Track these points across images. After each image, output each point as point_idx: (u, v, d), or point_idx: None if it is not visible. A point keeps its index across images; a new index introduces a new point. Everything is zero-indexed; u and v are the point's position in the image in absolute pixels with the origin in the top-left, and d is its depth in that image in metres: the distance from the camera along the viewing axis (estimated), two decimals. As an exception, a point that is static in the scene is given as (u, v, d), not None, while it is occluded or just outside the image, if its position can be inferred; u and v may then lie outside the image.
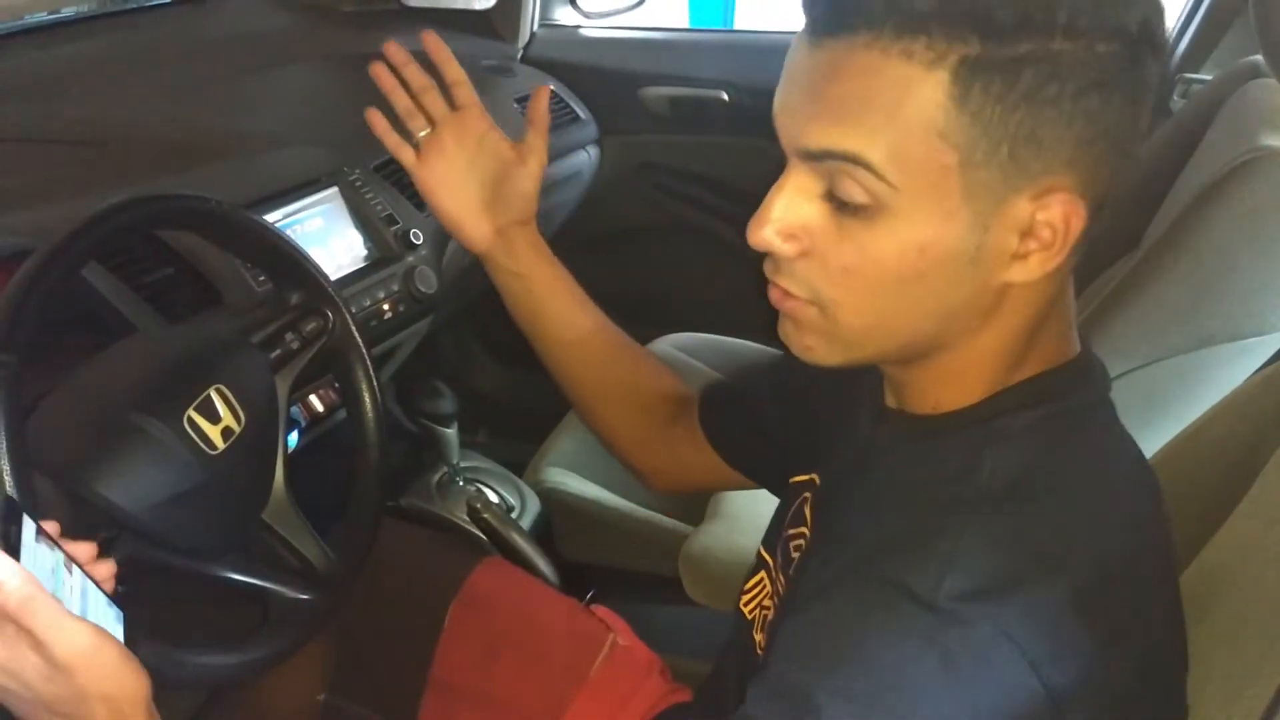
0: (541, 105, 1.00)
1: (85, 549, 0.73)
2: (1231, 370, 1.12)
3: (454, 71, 1.01)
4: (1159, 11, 0.60)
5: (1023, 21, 0.56)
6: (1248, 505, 0.78)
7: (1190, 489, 0.88)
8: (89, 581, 0.71)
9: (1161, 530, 0.70)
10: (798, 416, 0.89)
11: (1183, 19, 1.79)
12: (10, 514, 0.68)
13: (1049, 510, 0.64)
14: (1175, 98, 1.71)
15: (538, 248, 1.02)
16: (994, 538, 0.62)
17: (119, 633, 0.71)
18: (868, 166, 0.60)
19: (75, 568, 0.70)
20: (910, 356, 0.69)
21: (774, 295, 0.69)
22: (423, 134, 0.99)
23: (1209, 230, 1.09)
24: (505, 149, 1.00)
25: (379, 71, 0.99)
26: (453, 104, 1.00)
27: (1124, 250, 1.32)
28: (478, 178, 0.99)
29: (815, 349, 0.69)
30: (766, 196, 0.65)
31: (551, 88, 0.99)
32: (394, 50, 0.99)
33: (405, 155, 0.99)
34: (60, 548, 0.70)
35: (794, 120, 0.63)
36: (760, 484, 1.01)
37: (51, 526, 0.71)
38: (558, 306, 1.03)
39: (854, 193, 0.61)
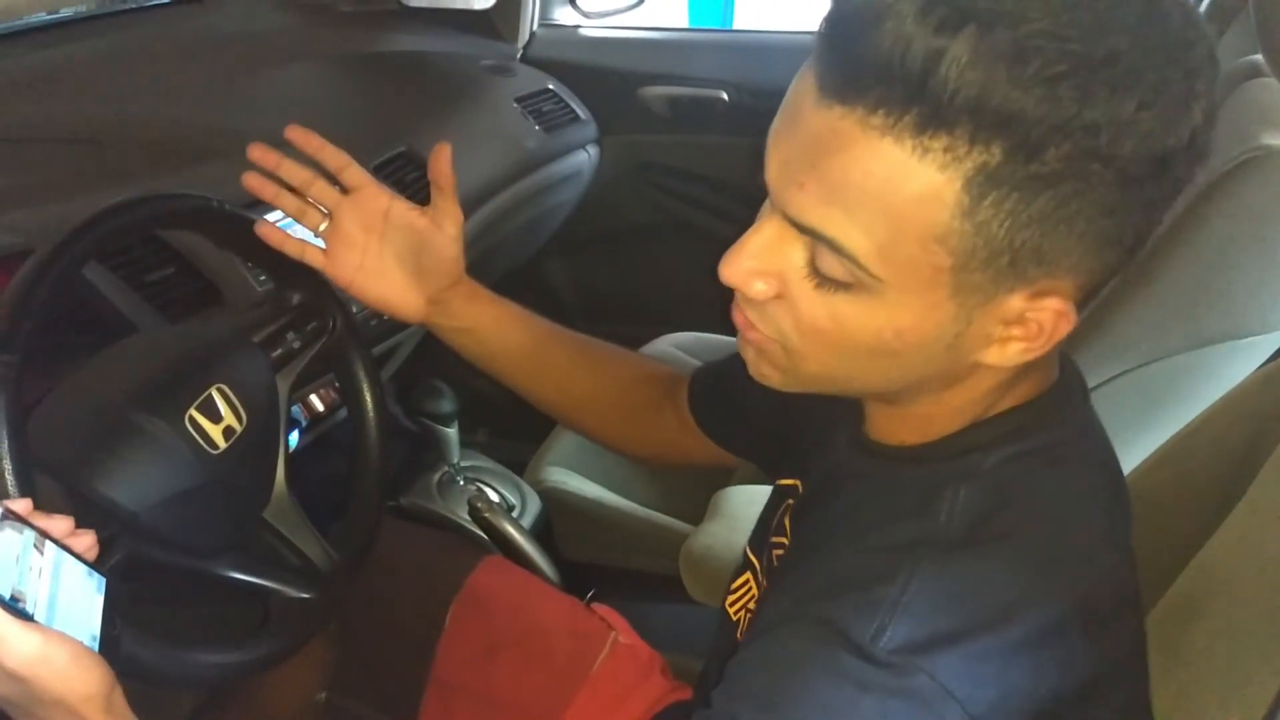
0: (443, 165, 0.94)
1: (61, 523, 0.71)
2: (1231, 369, 1.13)
3: (335, 157, 0.96)
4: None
5: (1059, 140, 0.50)
6: (1247, 504, 0.78)
7: (1189, 487, 0.88)
8: (65, 555, 0.69)
9: (1125, 567, 0.68)
10: (785, 414, 0.87)
11: (1182, 18, 1.79)
12: None
13: (1004, 557, 0.61)
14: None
15: (475, 297, 0.99)
16: (941, 587, 0.60)
17: (98, 603, 0.70)
18: (851, 257, 0.56)
19: (48, 544, 0.69)
20: (876, 398, 0.69)
21: (739, 321, 0.67)
22: (322, 227, 0.96)
23: (1208, 229, 1.09)
24: (415, 219, 0.95)
25: (253, 182, 0.94)
26: (344, 189, 0.96)
27: (1123, 249, 1.32)
28: (393, 255, 0.96)
29: (770, 377, 0.68)
30: (744, 234, 0.62)
31: (448, 146, 0.95)
32: (259, 153, 0.93)
33: (313, 256, 0.96)
34: (31, 525, 0.68)
35: (784, 179, 0.58)
36: (752, 462, 1.02)
37: (21, 505, 0.70)
38: (512, 343, 1.01)
39: (835, 271, 0.58)
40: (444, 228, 0.95)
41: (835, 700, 0.59)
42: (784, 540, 0.81)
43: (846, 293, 0.59)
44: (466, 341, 1.01)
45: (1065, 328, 0.59)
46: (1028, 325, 0.59)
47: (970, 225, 0.53)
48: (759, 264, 0.61)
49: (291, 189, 0.95)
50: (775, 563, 0.81)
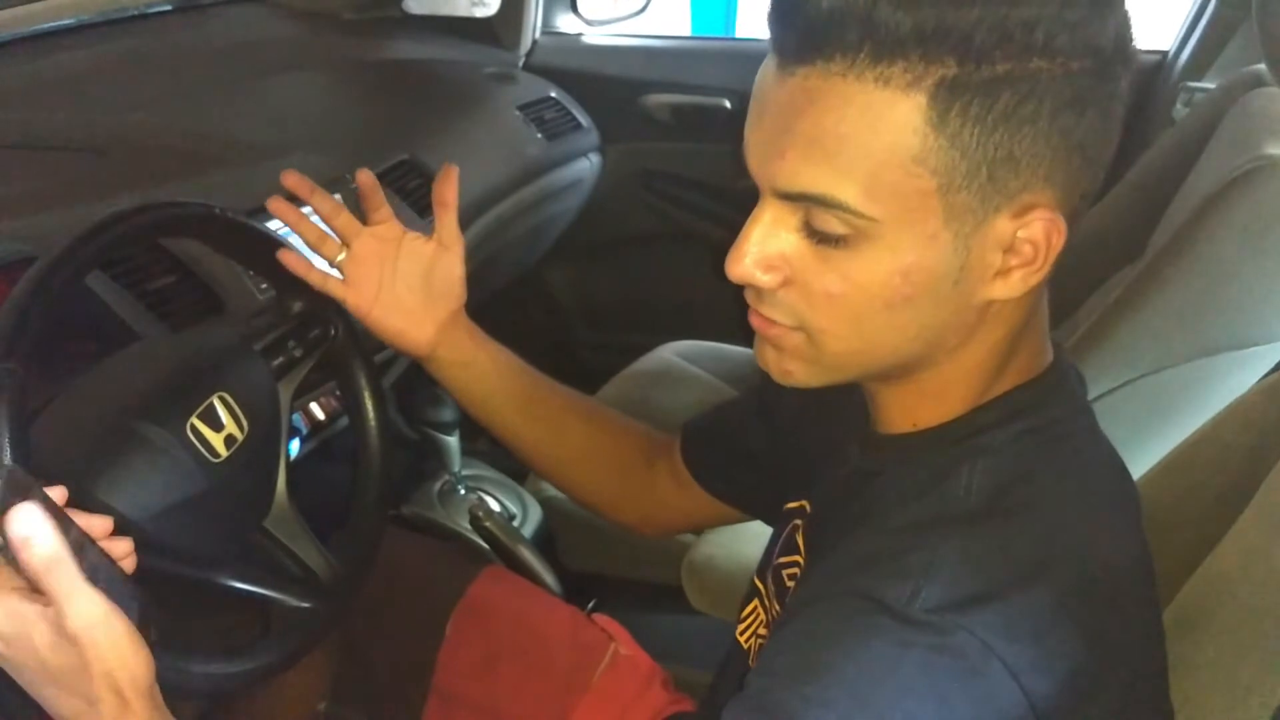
0: (450, 186, 0.98)
1: (101, 523, 0.71)
2: (1235, 378, 1.12)
3: (378, 199, 0.98)
4: (1130, 25, 0.60)
5: (1001, 42, 0.56)
6: (1252, 512, 0.78)
7: (1194, 496, 0.88)
8: (104, 559, 0.69)
9: (1140, 542, 0.70)
10: (788, 445, 0.89)
11: (1185, 28, 1.80)
12: (14, 488, 0.65)
13: (1026, 524, 0.63)
14: (1178, 106, 1.71)
15: (475, 332, 1.02)
16: (971, 553, 0.62)
17: (134, 611, 0.70)
18: (843, 207, 0.59)
19: (90, 545, 0.69)
20: (892, 375, 0.70)
21: (756, 322, 0.68)
22: (340, 257, 0.98)
23: (1212, 239, 1.09)
24: (422, 245, 0.98)
25: (278, 207, 0.97)
26: (369, 222, 0.98)
27: (1127, 259, 1.32)
28: (405, 282, 0.98)
29: (795, 373, 0.69)
30: (743, 229, 0.65)
31: (456, 169, 0.97)
32: (295, 181, 0.96)
33: (334, 287, 0.98)
34: (75, 524, 0.68)
35: (765, 157, 0.62)
36: (749, 513, 1.01)
37: (58, 492, 0.69)
38: (511, 384, 1.02)
39: (832, 226, 0.61)
40: (449, 247, 0.98)
41: (877, 662, 0.59)
42: (797, 559, 0.81)
43: (849, 249, 0.61)
44: (465, 378, 1.01)
45: (1058, 240, 0.61)
46: (1022, 250, 0.62)
47: (944, 138, 0.57)
48: (761, 252, 0.64)
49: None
50: (787, 583, 0.81)
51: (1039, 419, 0.68)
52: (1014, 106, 0.57)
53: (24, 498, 0.64)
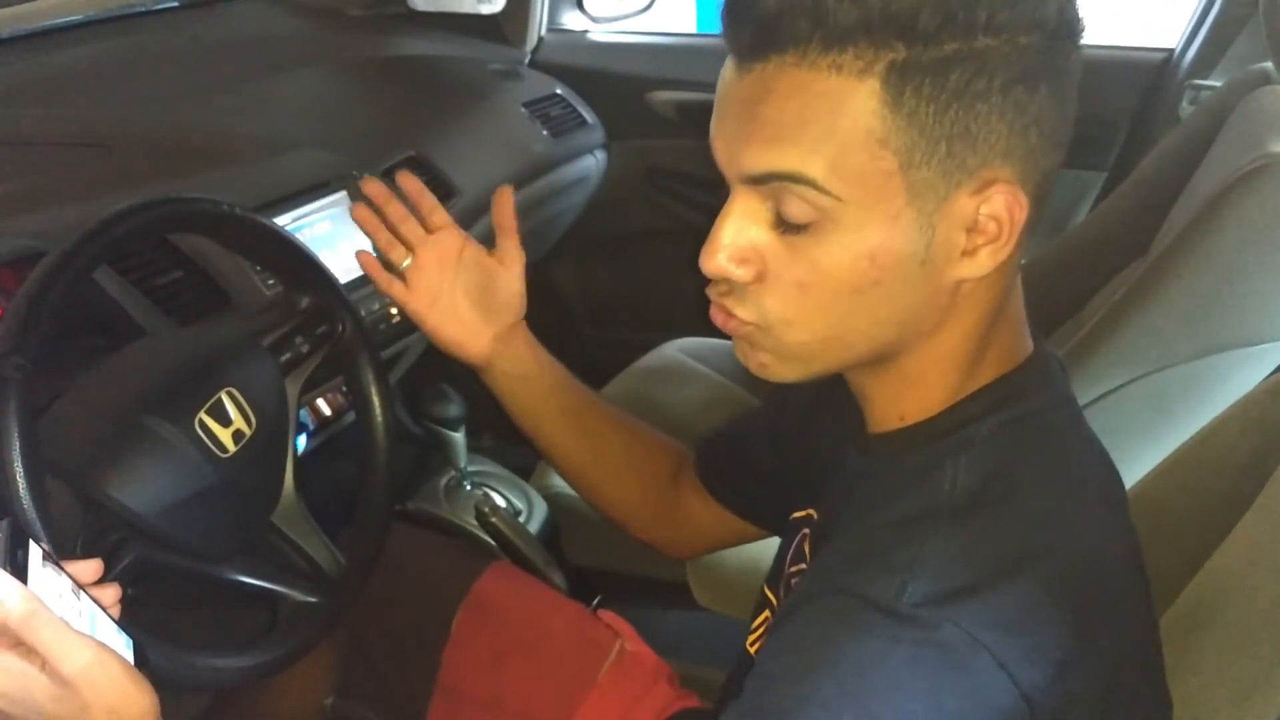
0: (506, 209, 1.00)
1: (88, 569, 0.72)
2: (1241, 376, 1.12)
3: (429, 201, 1.01)
4: (1072, 1, 0.62)
5: (945, 23, 0.58)
6: (1256, 511, 0.78)
7: (1199, 495, 0.88)
8: (96, 607, 0.70)
9: (1127, 530, 0.71)
10: (793, 457, 0.90)
11: (1191, 25, 1.79)
12: (16, 538, 0.66)
13: (1011, 515, 0.64)
14: (1184, 104, 1.71)
15: (533, 345, 1.03)
16: (954, 546, 0.62)
17: (129, 652, 0.70)
18: (810, 182, 0.61)
19: (83, 594, 0.69)
20: (869, 364, 0.70)
21: (716, 318, 0.70)
22: (405, 264, 1.00)
23: (1219, 237, 1.09)
24: (484, 258, 1.00)
25: (362, 215, 1.00)
26: (428, 229, 1.00)
27: (1133, 256, 1.32)
28: (464, 293, 1.00)
29: (769, 366, 0.70)
30: (714, 224, 0.66)
31: (509, 190, 0.98)
32: (374, 189, 1.00)
33: (395, 290, 1.00)
34: (66, 572, 0.69)
35: (731, 146, 0.64)
36: (764, 527, 1.02)
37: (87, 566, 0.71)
38: (558, 401, 1.03)
39: (800, 210, 0.62)
40: (510, 266, 0.99)
41: (866, 658, 0.60)
42: (804, 567, 0.81)
43: (816, 236, 0.63)
44: (519, 391, 1.02)
45: (1021, 215, 0.63)
46: (986, 227, 0.63)
47: (901, 118, 0.59)
48: (734, 244, 0.65)
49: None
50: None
51: (1021, 409, 0.69)
52: (965, 83, 0.59)
53: (23, 547, 0.65)
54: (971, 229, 0.63)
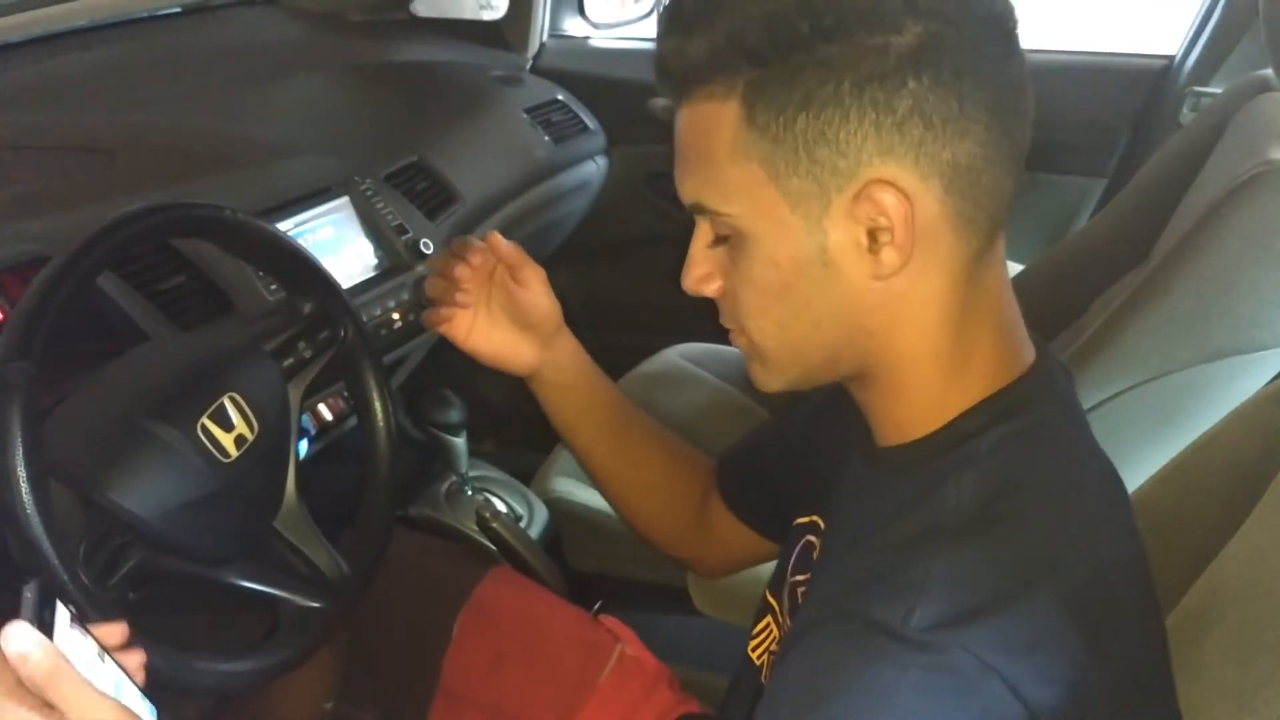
0: (504, 248, 1.00)
1: (115, 633, 0.72)
2: (1242, 382, 1.12)
3: (460, 241, 1.02)
4: None
5: (776, 41, 0.62)
6: (1258, 517, 0.78)
7: (1200, 501, 0.88)
8: (124, 675, 0.70)
9: (1134, 541, 0.71)
10: (800, 463, 0.90)
11: (1192, 33, 1.80)
12: (45, 599, 0.67)
13: (1017, 533, 0.64)
14: (1185, 111, 1.71)
15: (578, 355, 1.05)
16: (961, 566, 0.62)
17: (150, 717, 0.70)
18: (710, 210, 0.68)
19: (108, 658, 0.69)
20: (847, 371, 0.72)
21: (730, 336, 0.75)
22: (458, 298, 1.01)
23: (1219, 243, 1.09)
24: (509, 282, 1.01)
25: (436, 288, 1.01)
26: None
27: (1133, 263, 1.32)
28: (500, 310, 1.02)
29: (757, 375, 0.75)
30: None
31: (495, 235, 1.01)
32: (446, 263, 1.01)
33: (433, 319, 1.01)
34: (92, 635, 0.69)
35: (678, 182, 0.71)
36: (777, 542, 1.01)
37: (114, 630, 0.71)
38: (600, 416, 1.05)
39: (721, 229, 0.70)
40: (533, 288, 1.01)
41: (876, 688, 0.59)
42: (809, 575, 0.81)
43: (737, 248, 0.69)
44: (563, 402, 1.04)
45: (909, 211, 0.64)
46: (880, 228, 0.64)
47: (756, 130, 0.64)
48: (702, 264, 0.73)
49: None
50: (800, 599, 0.82)
51: (1023, 422, 0.68)
52: (811, 91, 0.62)
53: (50, 607, 0.66)
54: (871, 229, 0.64)
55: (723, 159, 0.66)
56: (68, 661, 0.63)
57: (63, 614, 0.67)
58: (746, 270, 0.69)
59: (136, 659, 0.73)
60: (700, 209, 0.70)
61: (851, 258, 0.65)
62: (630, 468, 1.06)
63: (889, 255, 0.65)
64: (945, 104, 0.62)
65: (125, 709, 0.65)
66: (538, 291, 1.02)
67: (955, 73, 0.62)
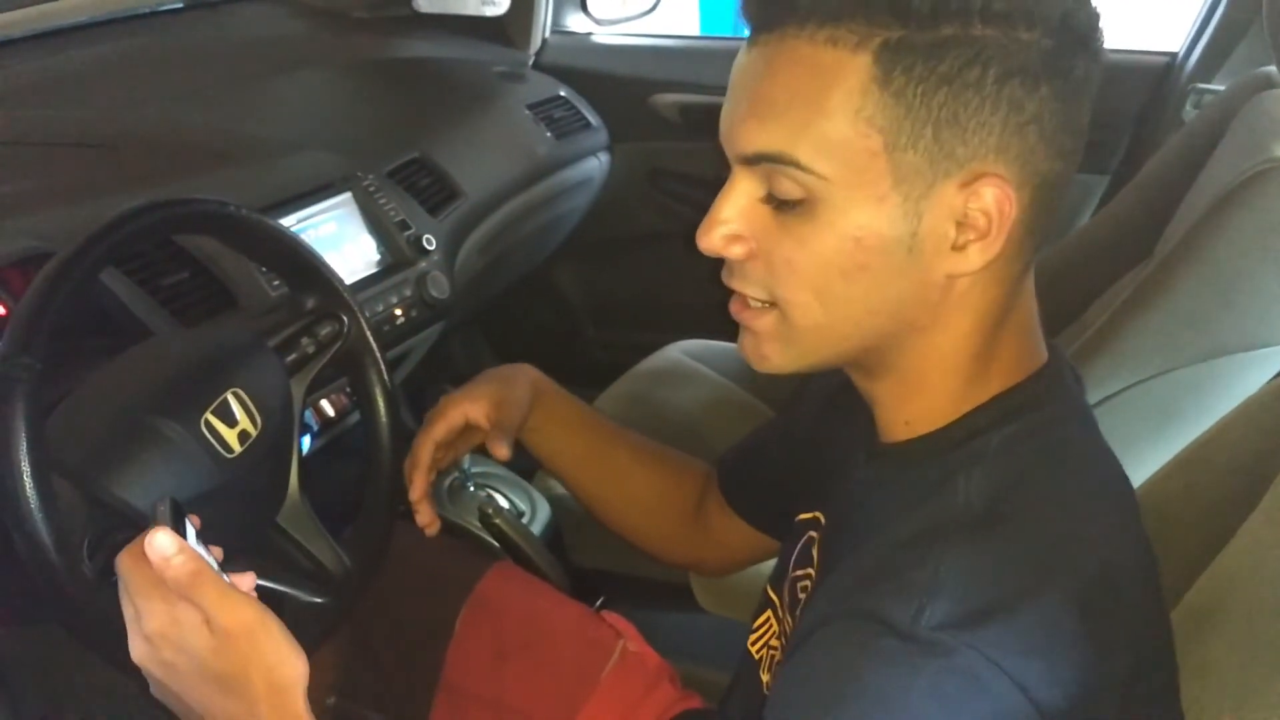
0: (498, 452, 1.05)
1: (218, 553, 0.74)
2: (1244, 379, 1.12)
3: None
4: (1082, 6, 0.62)
5: (940, 7, 0.58)
6: (1261, 514, 0.78)
7: (1202, 498, 0.88)
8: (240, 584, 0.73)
9: (1142, 541, 0.70)
10: (804, 458, 0.90)
11: (1195, 29, 1.79)
12: (177, 513, 0.70)
13: (1026, 531, 0.63)
14: (1188, 108, 1.71)
15: (547, 405, 1.07)
16: (971, 565, 0.62)
17: None
18: (794, 163, 0.62)
19: (225, 575, 0.71)
20: (868, 362, 0.70)
21: (734, 308, 0.70)
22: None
23: (1222, 241, 1.09)
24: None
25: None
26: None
27: (1136, 260, 1.32)
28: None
29: (771, 357, 0.70)
30: (714, 202, 0.67)
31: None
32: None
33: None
34: (210, 553, 0.72)
35: (731, 126, 0.65)
36: (780, 540, 1.02)
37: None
38: (577, 449, 1.09)
39: (789, 189, 0.63)
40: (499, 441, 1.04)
41: (888, 687, 0.59)
42: (810, 571, 0.81)
43: (805, 215, 0.63)
44: (534, 441, 1.08)
45: (1011, 212, 0.62)
46: (976, 222, 0.62)
47: (889, 95, 0.60)
48: (729, 226, 0.66)
49: None
50: (800, 595, 0.82)
51: (1034, 420, 0.68)
52: (958, 69, 0.59)
53: (182, 523, 0.69)
54: (961, 222, 0.63)
55: (836, 112, 0.60)
56: (207, 566, 0.67)
57: (191, 529, 0.70)
58: (812, 241, 0.64)
59: (249, 581, 0.75)
60: (775, 159, 0.63)
61: (934, 248, 0.63)
62: (614, 491, 1.08)
63: (974, 252, 0.63)
64: (1059, 118, 0.62)
65: (265, 609, 0.68)
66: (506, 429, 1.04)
67: (1075, 92, 0.62)
